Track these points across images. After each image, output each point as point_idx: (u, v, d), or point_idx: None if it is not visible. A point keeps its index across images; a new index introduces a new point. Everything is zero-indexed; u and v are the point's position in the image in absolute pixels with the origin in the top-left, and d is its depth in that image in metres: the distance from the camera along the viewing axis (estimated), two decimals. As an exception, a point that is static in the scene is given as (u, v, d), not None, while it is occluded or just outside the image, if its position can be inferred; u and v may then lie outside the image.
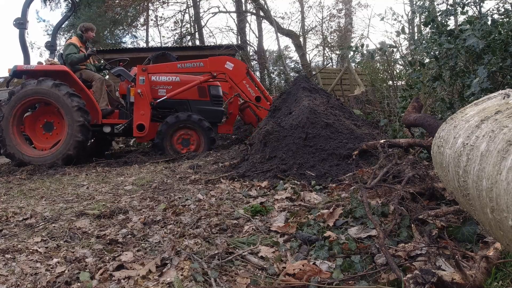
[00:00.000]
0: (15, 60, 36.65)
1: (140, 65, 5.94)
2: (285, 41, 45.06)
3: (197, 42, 17.77)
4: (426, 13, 4.11)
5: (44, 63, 6.14)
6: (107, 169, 4.88)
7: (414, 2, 5.32)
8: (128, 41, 24.07)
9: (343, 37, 20.43)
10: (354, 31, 21.81)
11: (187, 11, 19.02)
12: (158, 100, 5.84)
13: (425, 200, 2.22)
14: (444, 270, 1.48)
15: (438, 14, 4.11)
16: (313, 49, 22.69)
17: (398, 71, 7.06)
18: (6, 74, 7.90)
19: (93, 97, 5.86)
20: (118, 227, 2.35)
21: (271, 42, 61.89)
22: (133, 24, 20.44)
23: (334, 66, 17.55)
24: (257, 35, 18.50)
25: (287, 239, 2.02)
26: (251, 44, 16.12)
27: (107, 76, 8.50)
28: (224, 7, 24.47)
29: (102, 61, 7.36)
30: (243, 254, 1.84)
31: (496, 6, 4.11)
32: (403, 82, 6.55)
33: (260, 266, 1.73)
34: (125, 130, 5.90)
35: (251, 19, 18.58)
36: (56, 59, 6.39)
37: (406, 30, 5.45)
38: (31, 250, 2.01)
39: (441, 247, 1.65)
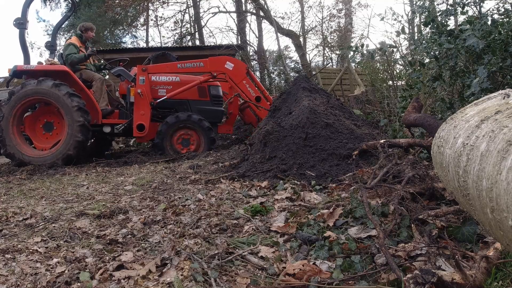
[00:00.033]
0: (15, 60, 36.67)
1: (140, 65, 5.94)
2: (285, 41, 45.07)
3: (197, 42, 17.78)
4: (426, 13, 4.11)
5: (44, 63, 6.14)
6: (107, 169, 4.88)
7: (414, 2, 5.32)
8: (128, 41, 24.09)
9: (343, 37, 20.43)
10: (354, 31, 21.83)
11: (187, 11, 19.04)
12: (158, 100, 5.84)
13: (425, 200, 2.22)
14: (444, 270, 1.48)
15: (438, 14, 4.11)
16: (313, 49, 22.72)
17: (398, 71, 7.07)
18: (6, 74, 7.90)
19: (93, 97, 5.86)
20: (118, 227, 2.35)
21: (271, 42, 61.94)
22: (133, 24, 20.45)
23: (334, 66, 17.56)
24: (257, 35, 18.52)
25: (287, 239, 2.02)
26: (251, 44, 16.14)
27: (107, 76, 8.51)
28: (224, 7, 24.49)
29: (102, 61, 7.36)
30: (243, 254, 1.84)
31: (496, 6, 4.12)
32: (403, 82, 6.55)
33: (260, 266, 1.73)
34: (125, 130, 5.90)
35: (251, 19, 18.61)
36: (56, 59, 6.39)
37: (406, 30, 5.45)
38: (31, 250, 2.01)
39: (441, 247, 1.65)
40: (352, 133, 3.70)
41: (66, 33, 20.13)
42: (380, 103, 6.95)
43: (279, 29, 15.29)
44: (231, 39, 23.06)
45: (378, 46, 7.30)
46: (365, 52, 4.66)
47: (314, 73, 11.87)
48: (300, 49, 16.53)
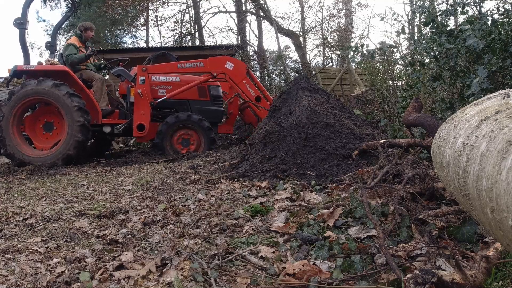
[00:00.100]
0: (15, 60, 36.67)
1: (140, 65, 5.94)
2: (285, 41, 45.08)
3: (197, 42, 17.77)
4: (426, 13, 4.11)
5: (44, 63, 6.14)
6: (107, 169, 4.88)
7: (414, 2, 5.32)
8: (128, 41, 24.09)
9: (343, 37, 20.43)
10: (354, 31, 21.83)
11: (187, 11, 19.04)
12: (158, 100, 5.84)
13: (425, 200, 2.22)
14: (444, 270, 1.48)
15: (438, 14, 4.11)
16: (313, 49, 22.73)
17: (398, 71, 7.07)
18: (6, 74, 7.90)
19: (93, 97, 5.86)
20: (118, 227, 2.35)
21: (271, 42, 61.92)
22: (133, 24, 20.44)
23: (334, 66, 17.56)
24: (257, 35, 18.52)
25: (287, 239, 2.02)
26: (251, 44, 16.13)
27: (107, 76, 8.51)
28: (224, 7, 24.50)
29: (102, 61, 7.36)
30: (243, 254, 1.84)
31: (496, 6, 4.12)
32: (403, 82, 6.55)
33: (260, 266, 1.73)
34: (125, 130, 5.90)
35: (251, 19, 18.60)
36: (56, 59, 6.39)
37: (406, 30, 5.45)
38: (31, 250, 2.01)
39: (441, 247, 1.65)
40: (352, 133, 3.70)
41: (66, 33, 20.13)
42: (380, 103, 6.95)
43: (279, 29, 15.29)
44: (231, 39, 23.09)
45: (378, 46, 7.30)
46: (365, 52, 4.67)
47: (314, 73, 11.87)
48: (300, 49, 16.53)
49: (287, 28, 17.35)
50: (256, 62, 15.19)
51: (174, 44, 17.65)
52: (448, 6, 4.13)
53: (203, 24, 18.08)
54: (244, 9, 17.35)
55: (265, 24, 19.14)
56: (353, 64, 10.39)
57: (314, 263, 1.66)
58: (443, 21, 3.91)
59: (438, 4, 4.83)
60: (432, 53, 3.97)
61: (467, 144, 1.30)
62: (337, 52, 18.57)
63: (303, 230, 2.07)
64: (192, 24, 19.34)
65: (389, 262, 1.49)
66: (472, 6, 3.99)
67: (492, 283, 1.39)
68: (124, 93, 6.24)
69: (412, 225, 1.91)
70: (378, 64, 8.61)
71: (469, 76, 3.38)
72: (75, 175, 4.48)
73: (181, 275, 1.66)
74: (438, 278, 1.34)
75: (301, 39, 18.34)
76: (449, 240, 1.75)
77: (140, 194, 3.20)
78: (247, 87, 6.02)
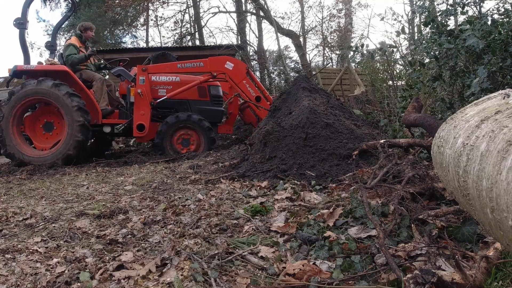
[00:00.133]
0: (15, 60, 36.66)
1: (140, 65, 5.94)
2: (285, 41, 45.08)
3: (197, 42, 17.77)
4: (426, 13, 4.11)
5: (44, 63, 6.14)
6: (107, 169, 4.88)
7: (414, 2, 5.32)
8: (128, 41, 24.10)
9: (343, 37, 20.43)
10: (354, 31, 21.83)
11: (187, 11, 19.04)
12: (158, 100, 5.84)
13: (425, 200, 2.22)
14: (444, 270, 1.48)
15: (438, 14, 4.10)
16: (313, 49, 22.73)
17: (398, 71, 7.07)
18: (6, 74, 7.90)
19: (93, 97, 5.86)
20: (118, 227, 2.35)
21: (271, 42, 61.92)
22: (133, 24, 20.44)
23: (334, 66, 17.56)
24: (257, 35, 18.51)
25: (287, 239, 2.02)
26: (251, 44, 16.13)
27: (107, 76, 8.51)
28: (224, 7, 24.49)
29: (102, 61, 7.36)
30: (243, 254, 1.84)
31: (496, 6, 4.12)
32: (403, 82, 6.55)
33: (260, 266, 1.73)
34: (125, 130, 5.90)
35: (251, 19, 18.60)
36: (56, 59, 6.39)
37: (406, 30, 5.45)
38: (31, 250, 2.01)
39: (441, 247, 1.65)
40: (352, 133, 3.70)
41: (66, 33, 20.13)
42: (380, 103, 6.95)
43: (279, 29, 15.29)
44: (231, 39, 23.09)
45: (378, 46, 7.30)
46: (365, 52, 4.66)
47: (314, 73, 11.87)
48: (300, 49, 16.53)
49: (287, 28, 17.35)
50: (256, 62, 15.20)
51: (174, 44, 17.65)
52: (448, 6, 4.13)
53: (203, 24, 18.10)
54: (244, 9, 17.36)
55: (265, 24, 19.17)
56: (353, 64, 10.39)
57: (314, 263, 1.66)
58: (443, 21, 3.91)
59: (438, 4, 4.83)
60: (432, 53, 3.97)
61: (467, 144, 1.30)
62: (337, 52, 18.59)
63: (303, 230, 2.07)
64: (192, 24, 19.35)
65: (389, 262, 1.49)
66: (472, 6, 3.99)
67: (492, 283, 1.39)
68: (124, 93, 6.24)
69: (412, 225, 1.91)
70: (378, 64, 8.62)
71: (469, 76, 3.38)
72: (75, 175, 4.48)
73: (181, 275, 1.66)
74: (438, 278, 1.34)
75: (301, 39, 18.35)
76: (449, 240, 1.75)
77: (140, 194, 3.20)
78: (247, 87, 6.02)
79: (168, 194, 3.10)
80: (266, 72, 13.90)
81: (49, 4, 20.77)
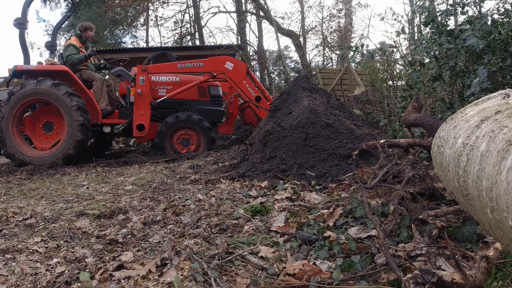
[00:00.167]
0: (15, 60, 36.62)
1: (140, 65, 5.94)
2: (285, 41, 45.07)
3: (197, 42, 17.77)
4: (426, 13, 4.11)
5: (44, 63, 6.14)
6: (107, 169, 4.88)
7: (414, 2, 5.32)
8: (128, 41, 24.09)
9: (343, 37, 20.43)
10: (354, 31, 21.83)
11: (187, 11, 19.03)
12: (158, 100, 5.84)
13: (425, 200, 2.22)
14: (444, 270, 1.48)
15: (438, 14, 4.10)
16: (313, 49, 22.73)
17: (398, 71, 7.07)
18: (6, 74, 7.89)
19: (93, 97, 5.86)
20: (118, 227, 2.35)
21: (271, 42, 61.92)
22: (133, 24, 20.44)
23: (334, 66, 17.56)
24: (257, 35, 18.51)
25: (287, 239, 2.02)
26: (251, 44, 16.13)
27: (107, 76, 8.50)
28: (224, 7, 24.49)
29: (102, 61, 7.36)
30: (243, 254, 1.84)
31: (496, 6, 4.12)
32: (403, 82, 6.55)
33: (260, 266, 1.73)
34: (125, 130, 5.90)
35: (251, 19, 18.60)
36: (56, 59, 6.39)
37: (406, 30, 5.45)
38: (31, 250, 2.01)
39: (441, 247, 1.65)
40: (352, 133, 3.70)
41: (66, 33, 20.12)
42: (380, 103, 6.95)
43: (279, 29, 15.29)
44: (231, 39, 23.08)
45: (378, 46, 7.30)
46: (365, 52, 4.67)
47: (314, 73, 11.87)
48: (300, 49, 16.53)
49: (287, 28, 17.35)
50: (256, 62, 15.20)
51: (174, 44, 17.65)
52: (448, 6, 4.13)
53: (203, 24, 18.10)
54: (244, 9, 17.36)
55: (265, 24, 19.16)
56: (353, 64, 10.39)
57: (314, 263, 1.66)
58: (443, 21, 3.91)
59: (438, 4, 4.83)
60: (432, 53, 3.97)
61: (467, 144, 1.30)
62: (337, 52, 18.59)
63: (303, 230, 2.07)
64: (192, 24, 19.35)
65: (389, 262, 1.49)
66: (472, 6, 3.99)
67: (492, 283, 1.39)
68: (124, 93, 6.24)
69: (412, 225, 1.91)
70: (378, 64, 8.62)
71: (469, 76, 3.38)
72: (75, 175, 4.48)
73: (181, 275, 1.66)
74: (438, 278, 1.34)
75: (301, 39, 18.35)
76: (449, 240, 1.75)
77: (140, 194, 3.20)
78: (247, 87, 6.02)
79: (168, 194, 3.10)
80: (266, 72, 13.91)
81: (49, 4, 20.79)
